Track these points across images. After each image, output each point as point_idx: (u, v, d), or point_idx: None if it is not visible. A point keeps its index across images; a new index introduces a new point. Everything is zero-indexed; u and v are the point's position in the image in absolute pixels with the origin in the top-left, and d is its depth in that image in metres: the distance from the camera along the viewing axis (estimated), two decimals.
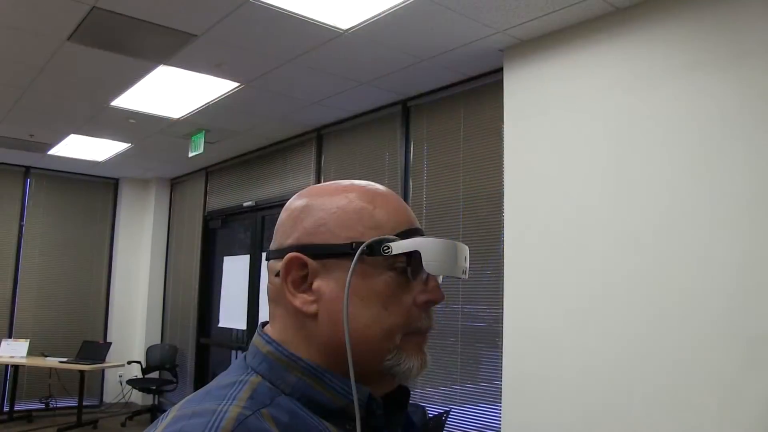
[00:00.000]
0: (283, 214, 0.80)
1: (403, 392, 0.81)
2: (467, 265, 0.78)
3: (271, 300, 0.79)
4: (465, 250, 0.77)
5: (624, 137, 3.03)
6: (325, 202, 0.77)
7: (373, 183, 0.82)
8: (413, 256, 0.73)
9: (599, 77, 3.17)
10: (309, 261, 0.74)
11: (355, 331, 0.72)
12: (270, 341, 0.75)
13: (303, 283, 0.74)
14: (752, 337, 2.50)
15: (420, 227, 0.81)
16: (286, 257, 0.74)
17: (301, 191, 0.82)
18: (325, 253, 0.73)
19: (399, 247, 0.73)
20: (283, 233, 0.78)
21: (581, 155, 3.20)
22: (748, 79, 2.63)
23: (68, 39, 3.62)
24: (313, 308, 0.73)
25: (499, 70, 3.73)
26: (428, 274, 0.76)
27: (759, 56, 2.60)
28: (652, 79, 2.94)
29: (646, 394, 2.78)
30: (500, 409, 3.41)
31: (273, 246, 0.79)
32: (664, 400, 2.72)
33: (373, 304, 0.73)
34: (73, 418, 6.57)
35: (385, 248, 0.72)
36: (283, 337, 0.75)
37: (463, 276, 0.77)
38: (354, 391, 0.70)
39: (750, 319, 2.51)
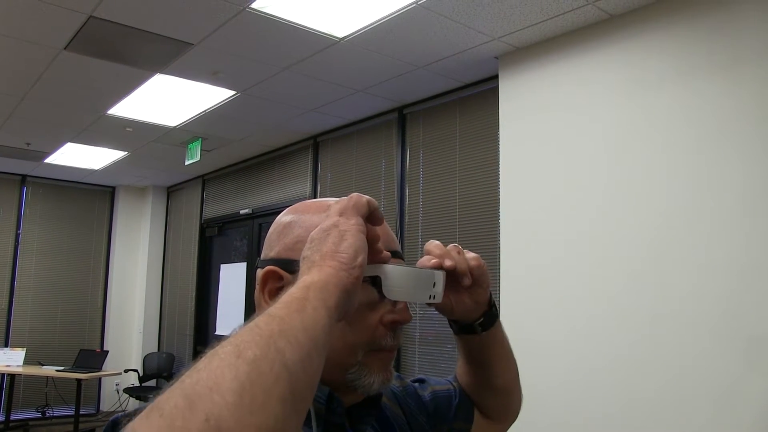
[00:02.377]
0: (272, 227, 0.85)
1: (375, 395, 0.85)
2: (440, 290, 0.80)
3: (256, 307, 0.83)
4: (436, 276, 0.80)
5: (620, 143, 3.04)
6: (306, 219, 0.81)
7: None
8: (377, 280, 0.76)
9: (594, 84, 3.19)
10: (284, 274, 0.78)
11: None
12: None
13: (278, 294, 0.76)
14: (751, 339, 2.51)
15: (397, 248, 0.84)
16: (264, 269, 0.79)
17: (291, 206, 0.86)
18: (298, 268, 0.76)
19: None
20: (268, 246, 0.83)
21: (577, 161, 3.21)
22: (743, 85, 2.64)
23: (65, 48, 3.63)
24: None
25: (495, 77, 3.75)
26: None
27: (753, 62, 2.62)
28: (648, 85, 2.96)
29: (645, 396, 2.79)
30: None
31: (261, 257, 0.84)
32: (663, 402, 2.73)
33: None
34: (70, 427, 6.54)
35: None
36: None
37: (431, 301, 0.79)
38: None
39: (748, 322, 2.52)
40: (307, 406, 0.53)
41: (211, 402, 0.45)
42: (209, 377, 0.47)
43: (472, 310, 0.92)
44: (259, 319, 0.53)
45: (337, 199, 0.82)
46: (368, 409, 0.85)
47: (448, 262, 0.84)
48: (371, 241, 0.71)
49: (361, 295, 0.76)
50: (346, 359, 0.78)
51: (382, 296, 0.77)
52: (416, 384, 1.07)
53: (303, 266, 0.66)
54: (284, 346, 0.51)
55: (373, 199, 0.72)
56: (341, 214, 0.69)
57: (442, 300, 0.85)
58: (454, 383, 1.10)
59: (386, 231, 0.83)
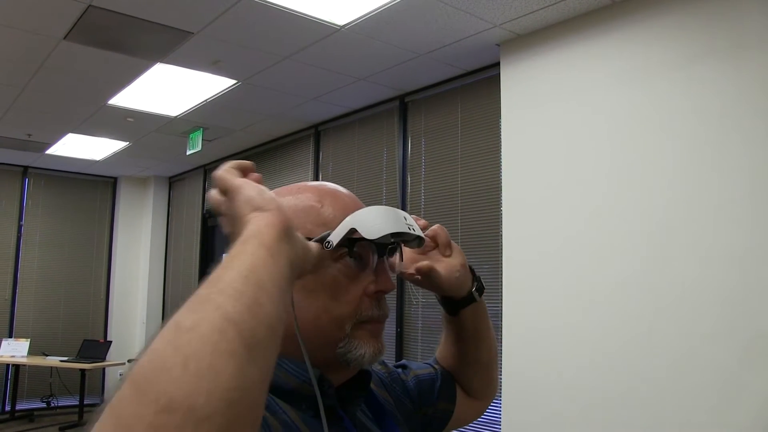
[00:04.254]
0: None
1: (364, 375, 0.86)
2: (412, 222, 0.83)
3: None
4: (400, 212, 0.82)
5: (622, 130, 3.03)
6: (282, 202, 0.81)
7: (329, 184, 0.87)
8: (355, 245, 0.77)
9: (596, 70, 3.17)
10: None
11: (307, 322, 0.76)
12: None
13: None
14: (752, 334, 2.50)
15: None
16: None
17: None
18: None
19: (336, 235, 0.75)
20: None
21: (579, 148, 3.20)
22: (746, 71, 2.63)
23: (65, 38, 3.62)
24: None
25: (496, 65, 3.73)
26: (377, 265, 0.81)
27: (756, 47, 2.60)
28: (650, 72, 2.95)
29: (646, 391, 2.79)
30: (500, 406, 3.42)
31: None
32: (663, 397, 2.73)
33: (320, 295, 0.78)
34: (75, 417, 6.58)
35: (327, 243, 0.74)
36: None
37: (411, 231, 0.80)
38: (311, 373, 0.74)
39: (752, 312, 2.52)
40: (270, 353, 0.51)
41: (158, 381, 0.44)
42: (153, 358, 0.46)
43: (462, 277, 0.96)
44: (198, 288, 0.52)
45: (310, 183, 0.86)
46: (356, 391, 0.86)
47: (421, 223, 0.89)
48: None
49: (341, 268, 0.78)
50: (335, 333, 0.78)
51: (362, 267, 0.79)
52: (399, 370, 1.09)
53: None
54: (223, 301, 0.50)
55: (245, 162, 0.71)
56: (222, 189, 0.68)
57: (428, 271, 0.91)
58: (436, 366, 1.12)
59: (355, 206, 0.84)
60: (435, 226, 0.95)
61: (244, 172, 0.70)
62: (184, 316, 0.49)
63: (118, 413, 0.43)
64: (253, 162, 0.72)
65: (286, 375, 0.77)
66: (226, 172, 0.68)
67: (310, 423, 0.77)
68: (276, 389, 0.75)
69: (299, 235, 0.67)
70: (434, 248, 0.96)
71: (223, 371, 0.45)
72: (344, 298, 0.79)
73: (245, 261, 0.55)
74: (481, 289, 1.00)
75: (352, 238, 0.76)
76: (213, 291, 0.51)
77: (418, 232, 0.82)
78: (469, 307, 1.00)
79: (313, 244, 0.72)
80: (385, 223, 0.77)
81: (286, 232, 0.62)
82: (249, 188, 0.66)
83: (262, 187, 0.66)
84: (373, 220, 0.76)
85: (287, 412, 0.75)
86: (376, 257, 0.81)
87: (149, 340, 0.48)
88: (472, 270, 1.01)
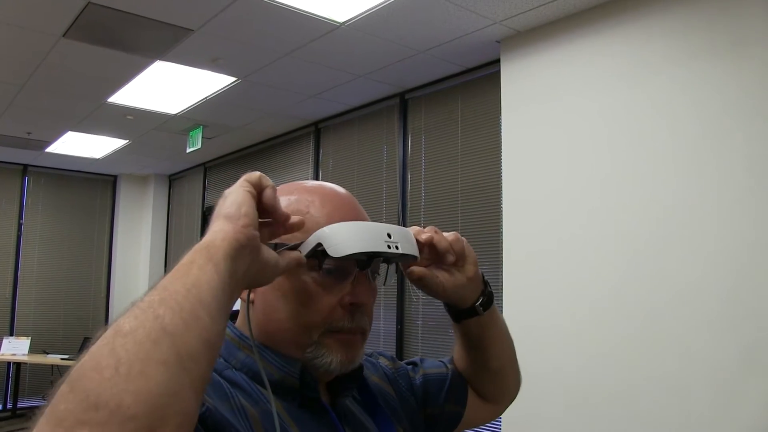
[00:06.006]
0: None
1: (356, 368, 0.87)
2: (407, 244, 0.80)
3: None
4: (386, 229, 0.79)
5: (623, 127, 3.03)
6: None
7: (327, 185, 0.87)
8: (326, 258, 0.76)
9: (597, 67, 3.16)
10: None
11: (277, 322, 0.81)
12: (228, 325, 0.83)
13: None
14: (753, 332, 2.50)
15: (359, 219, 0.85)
16: None
17: None
18: None
19: (305, 247, 0.76)
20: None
21: (580, 145, 3.20)
22: (747, 68, 2.62)
23: (64, 35, 3.61)
24: (250, 297, 0.82)
25: (496, 62, 3.72)
26: (356, 276, 0.81)
27: (758, 44, 2.60)
28: (651, 68, 2.94)
29: (647, 390, 2.78)
30: None
31: None
32: (664, 397, 2.73)
33: (292, 300, 0.80)
34: None
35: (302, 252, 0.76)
36: (239, 321, 0.85)
37: (394, 251, 0.79)
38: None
39: (750, 314, 2.51)
40: (203, 364, 0.53)
41: (90, 380, 0.47)
42: (90, 359, 0.49)
43: (468, 289, 0.94)
44: (144, 295, 0.55)
45: (303, 183, 0.87)
46: (347, 383, 0.87)
47: (424, 236, 0.88)
48: (269, 207, 0.70)
49: (315, 277, 0.79)
50: (302, 338, 0.80)
51: (341, 277, 0.79)
52: (409, 367, 1.09)
53: None
54: (163, 312, 0.52)
55: (267, 178, 0.72)
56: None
57: (432, 280, 0.89)
58: (449, 365, 1.11)
59: (349, 208, 0.84)
60: (437, 236, 0.90)
61: (257, 188, 0.70)
62: (124, 320, 0.52)
63: (54, 408, 0.46)
64: (274, 186, 0.72)
65: (272, 368, 0.80)
66: (243, 177, 0.71)
67: (293, 413, 0.79)
68: (261, 380, 0.76)
69: (265, 247, 0.68)
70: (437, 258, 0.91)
71: (153, 377, 0.48)
72: (314, 307, 0.79)
73: (191, 275, 0.57)
74: (487, 304, 0.97)
75: (324, 251, 0.75)
76: (155, 299, 0.54)
77: (405, 251, 0.79)
78: (473, 318, 0.98)
79: (290, 253, 0.73)
80: (355, 241, 0.75)
81: (240, 249, 0.63)
82: (233, 197, 0.67)
83: (244, 199, 0.67)
84: (342, 238, 0.75)
85: (271, 402, 0.76)
86: (357, 269, 0.81)
87: (92, 341, 0.51)
88: (486, 284, 0.98)
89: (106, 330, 0.52)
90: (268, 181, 0.71)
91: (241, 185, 0.69)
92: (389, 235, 0.78)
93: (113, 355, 0.48)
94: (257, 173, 0.71)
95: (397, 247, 0.78)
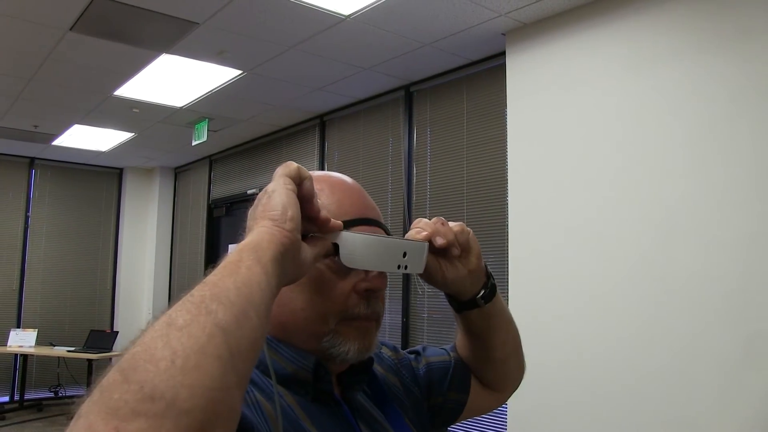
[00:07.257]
0: None
1: (366, 360, 0.87)
2: (418, 261, 0.81)
3: None
4: (407, 246, 0.79)
5: (628, 118, 3.02)
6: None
7: (334, 174, 0.87)
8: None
9: (602, 59, 3.16)
10: None
11: (292, 313, 0.80)
12: None
13: None
14: (756, 326, 2.50)
15: (373, 217, 0.85)
16: None
17: None
18: None
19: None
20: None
21: (585, 138, 3.19)
22: (754, 57, 2.61)
23: (71, 29, 3.62)
24: None
25: (502, 54, 3.72)
26: None
27: (764, 36, 2.59)
28: (657, 60, 2.93)
29: (649, 385, 2.79)
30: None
31: None
32: (667, 391, 2.73)
33: (307, 289, 0.79)
34: None
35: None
36: None
37: (403, 271, 0.79)
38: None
39: (755, 308, 2.51)
40: (249, 363, 0.54)
41: (145, 371, 0.46)
42: (143, 350, 0.48)
43: (469, 281, 0.92)
44: (194, 289, 0.55)
45: (313, 173, 0.84)
46: (358, 375, 0.87)
47: (439, 240, 0.85)
48: (305, 201, 0.71)
49: (330, 264, 0.79)
50: (318, 327, 0.80)
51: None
52: (412, 356, 1.08)
53: (245, 235, 0.67)
54: (216, 307, 0.53)
55: (305, 170, 0.72)
56: (273, 180, 0.71)
57: (434, 272, 0.87)
58: (452, 353, 1.10)
59: (358, 196, 0.84)
60: (443, 228, 0.88)
61: (296, 181, 0.70)
62: (177, 314, 0.52)
63: (108, 396, 0.46)
64: (311, 177, 0.72)
65: (285, 362, 0.80)
66: (283, 172, 0.70)
67: (306, 407, 0.78)
68: (276, 375, 0.76)
69: (304, 245, 0.69)
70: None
71: (208, 371, 0.48)
72: (330, 294, 0.79)
73: (242, 275, 0.58)
74: (489, 297, 0.95)
75: (337, 245, 0.75)
76: (207, 295, 0.54)
77: (412, 271, 0.80)
78: (474, 310, 0.97)
79: (318, 242, 0.73)
80: (369, 258, 0.76)
81: (285, 253, 0.64)
82: (278, 198, 0.68)
83: (289, 200, 0.67)
84: (357, 251, 0.75)
85: (284, 396, 0.76)
86: None
87: (140, 333, 0.51)
88: (489, 275, 0.96)
89: (156, 319, 0.52)
90: (305, 172, 0.72)
91: (285, 184, 0.69)
92: (404, 254, 0.79)
93: (168, 348, 0.48)
94: (294, 165, 0.71)
95: (405, 267, 0.79)
